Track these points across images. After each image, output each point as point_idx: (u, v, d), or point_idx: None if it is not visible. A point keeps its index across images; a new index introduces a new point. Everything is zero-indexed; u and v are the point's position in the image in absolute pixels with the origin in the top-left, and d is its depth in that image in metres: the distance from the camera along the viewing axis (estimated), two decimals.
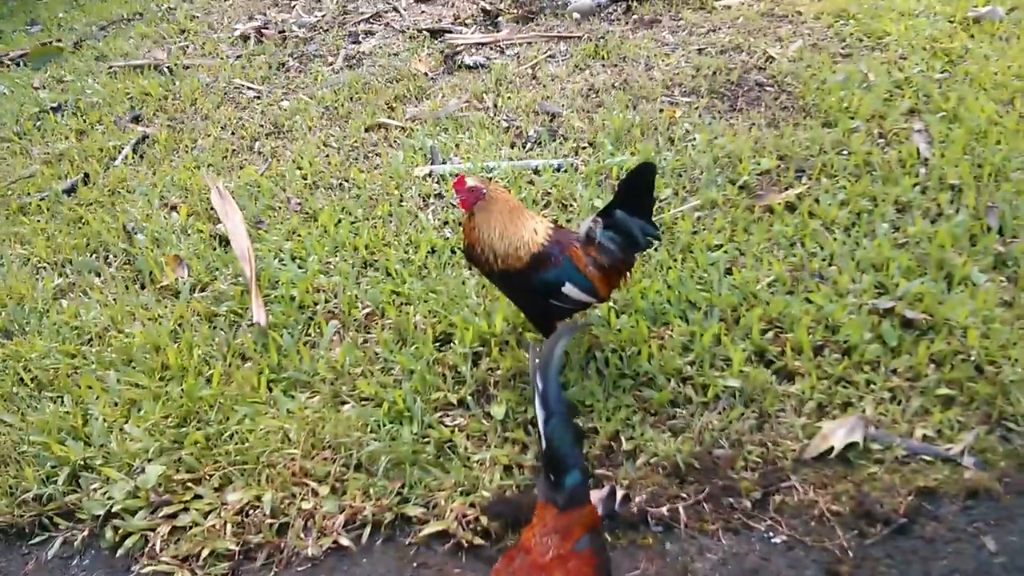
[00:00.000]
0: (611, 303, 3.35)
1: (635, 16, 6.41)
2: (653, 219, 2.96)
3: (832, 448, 2.76)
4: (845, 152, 4.24)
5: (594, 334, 3.27)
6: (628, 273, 3.06)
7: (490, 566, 2.58)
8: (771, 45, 5.56)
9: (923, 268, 3.41)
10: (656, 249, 3.66)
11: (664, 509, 2.68)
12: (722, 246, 3.67)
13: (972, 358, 3.00)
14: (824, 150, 4.26)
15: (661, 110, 4.89)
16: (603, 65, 5.63)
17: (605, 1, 6.61)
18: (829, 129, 4.46)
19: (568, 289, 2.91)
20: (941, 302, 3.20)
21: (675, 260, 3.62)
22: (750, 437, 2.87)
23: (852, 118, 4.52)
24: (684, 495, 2.72)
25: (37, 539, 2.98)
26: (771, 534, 2.59)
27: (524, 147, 4.76)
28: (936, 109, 4.50)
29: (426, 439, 2.98)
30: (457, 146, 4.81)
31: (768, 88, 5.05)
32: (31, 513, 3.01)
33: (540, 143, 4.75)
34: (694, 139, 4.53)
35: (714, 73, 5.23)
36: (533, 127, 4.93)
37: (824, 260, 3.53)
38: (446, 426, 3.03)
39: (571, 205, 4.10)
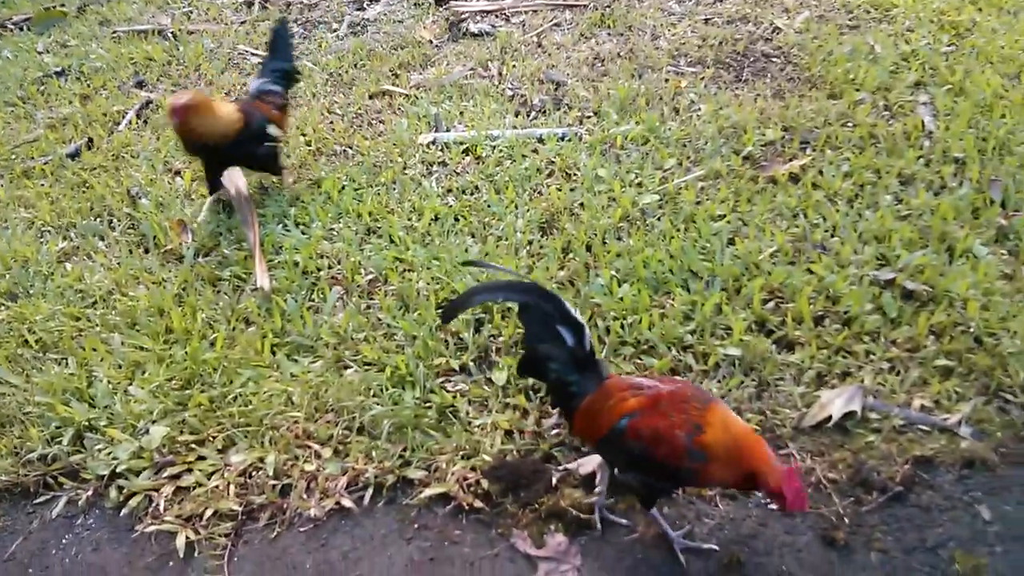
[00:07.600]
0: (612, 272, 3.37)
1: None
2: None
3: (830, 417, 2.78)
4: (850, 124, 4.24)
5: (596, 302, 3.28)
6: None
7: (490, 529, 2.63)
8: (778, 16, 5.52)
9: (925, 240, 3.42)
10: (659, 219, 3.67)
11: None
12: (725, 216, 3.67)
13: (971, 330, 3.02)
14: (829, 122, 4.25)
15: (667, 80, 4.86)
16: (609, 34, 5.60)
17: None
18: (834, 101, 4.45)
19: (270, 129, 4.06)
20: (942, 274, 3.22)
21: (678, 230, 3.63)
22: (749, 405, 2.89)
23: (858, 90, 4.50)
24: None
25: (42, 499, 3.00)
26: (768, 500, 2.62)
27: (528, 116, 4.75)
28: (942, 82, 4.48)
29: (428, 404, 3.00)
30: (461, 114, 4.80)
31: (774, 59, 5.02)
32: (36, 473, 3.03)
33: (544, 112, 4.73)
34: (699, 109, 4.51)
35: (720, 43, 5.20)
36: (538, 96, 4.90)
37: (826, 231, 3.53)
38: (448, 391, 3.05)
39: (575, 174, 4.10)
